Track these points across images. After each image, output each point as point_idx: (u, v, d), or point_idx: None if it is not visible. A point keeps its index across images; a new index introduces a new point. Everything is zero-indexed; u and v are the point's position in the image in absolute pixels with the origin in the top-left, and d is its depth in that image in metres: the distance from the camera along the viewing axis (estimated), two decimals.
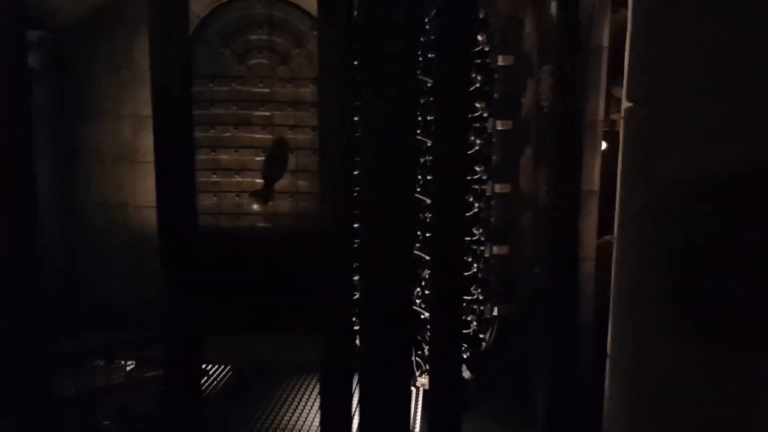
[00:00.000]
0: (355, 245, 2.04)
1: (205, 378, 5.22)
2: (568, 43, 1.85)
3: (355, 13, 1.82)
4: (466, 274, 5.01)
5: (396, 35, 1.52)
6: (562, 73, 1.91)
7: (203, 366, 5.25)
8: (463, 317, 5.11)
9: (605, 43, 4.64)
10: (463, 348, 5.12)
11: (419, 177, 5.03)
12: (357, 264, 1.99)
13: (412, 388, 5.16)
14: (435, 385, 1.78)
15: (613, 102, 5.12)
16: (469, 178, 4.88)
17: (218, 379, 5.28)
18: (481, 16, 4.74)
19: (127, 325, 5.09)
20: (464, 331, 5.08)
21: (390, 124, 1.58)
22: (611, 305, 1.65)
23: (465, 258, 5.00)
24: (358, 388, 2.04)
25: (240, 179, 5.88)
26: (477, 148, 4.84)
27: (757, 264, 1.19)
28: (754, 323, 1.23)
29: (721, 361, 1.26)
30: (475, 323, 5.11)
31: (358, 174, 1.86)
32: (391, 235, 1.64)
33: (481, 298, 5.05)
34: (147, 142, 5.74)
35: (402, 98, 1.57)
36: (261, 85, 5.69)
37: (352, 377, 1.88)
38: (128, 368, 4.93)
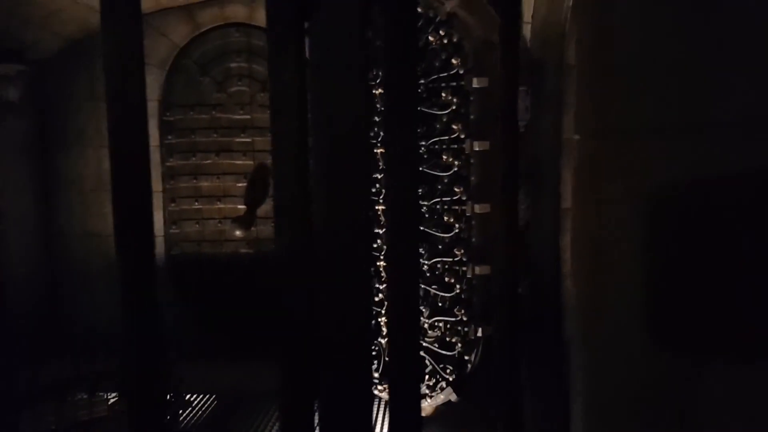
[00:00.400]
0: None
1: (189, 408, 5.16)
2: (509, 60, 1.89)
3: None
4: (448, 295, 5.01)
5: (347, 66, 1.55)
6: (504, 90, 1.94)
7: (186, 396, 5.19)
8: (448, 339, 5.09)
9: None
10: (449, 371, 5.09)
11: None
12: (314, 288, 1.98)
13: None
14: (395, 406, 1.77)
15: None
16: (448, 199, 4.91)
17: (202, 408, 5.22)
18: (455, 39, 4.81)
19: (110, 354, 5.05)
20: (449, 354, 5.06)
21: (342, 148, 1.59)
22: (569, 321, 1.67)
23: (447, 279, 5.01)
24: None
25: (222, 206, 5.89)
26: (455, 169, 4.87)
27: (693, 283, 1.22)
28: (692, 336, 1.25)
29: (670, 367, 1.28)
30: (459, 345, 5.09)
31: (312, 196, 1.87)
32: (347, 256, 1.64)
33: (464, 319, 5.03)
34: None
35: (353, 126, 1.58)
36: (241, 111, 5.74)
37: (313, 406, 1.86)
38: (111, 401, 4.87)
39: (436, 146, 4.88)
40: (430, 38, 4.83)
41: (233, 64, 5.64)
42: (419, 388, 1.91)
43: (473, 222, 4.86)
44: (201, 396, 5.38)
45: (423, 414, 5.11)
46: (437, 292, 5.00)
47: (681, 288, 1.27)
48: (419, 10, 4.84)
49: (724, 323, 1.24)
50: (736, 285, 1.23)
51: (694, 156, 1.23)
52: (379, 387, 5.30)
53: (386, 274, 1.86)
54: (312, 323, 1.90)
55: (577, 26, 1.43)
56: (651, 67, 1.22)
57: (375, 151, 4.84)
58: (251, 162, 5.76)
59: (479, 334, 4.97)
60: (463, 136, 4.80)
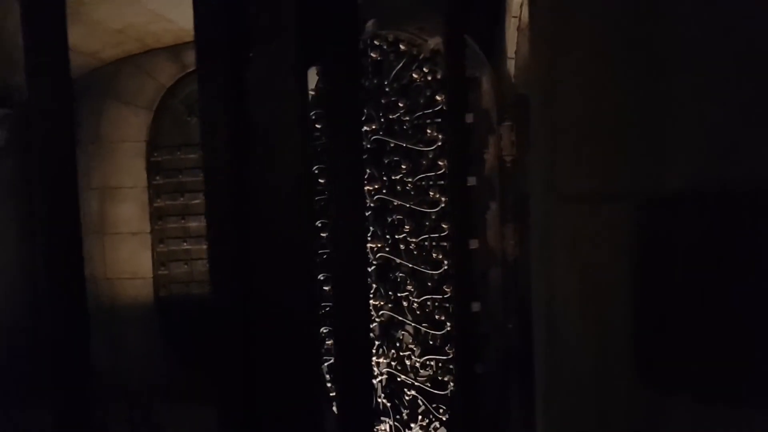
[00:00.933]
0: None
1: None
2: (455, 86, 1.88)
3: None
4: (439, 333, 4.94)
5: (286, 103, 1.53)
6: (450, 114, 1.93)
7: None
8: (440, 378, 4.99)
9: None
10: (442, 410, 4.98)
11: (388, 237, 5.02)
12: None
13: None
14: None
15: None
16: (437, 235, 4.87)
17: None
18: (439, 76, 4.83)
19: (96, 397, 4.92)
20: (441, 393, 4.96)
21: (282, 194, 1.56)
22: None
23: (437, 317, 4.94)
24: None
25: None
26: (443, 205, 4.84)
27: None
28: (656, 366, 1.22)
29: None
30: (452, 384, 4.99)
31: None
32: (288, 324, 1.59)
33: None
34: (115, 213, 5.73)
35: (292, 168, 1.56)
36: None
37: None
38: None
39: (423, 182, 4.86)
40: (414, 75, 4.85)
41: None
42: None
43: None
44: None
45: None
46: (428, 330, 4.92)
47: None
48: (402, 47, 4.88)
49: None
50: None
51: (639, 223, 1.21)
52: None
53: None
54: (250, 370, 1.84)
55: (529, 85, 1.43)
56: (593, 129, 1.19)
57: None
58: None
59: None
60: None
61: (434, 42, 4.86)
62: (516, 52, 4.51)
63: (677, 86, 1.06)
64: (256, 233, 1.67)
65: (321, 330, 4.75)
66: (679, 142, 1.06)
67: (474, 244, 4.76)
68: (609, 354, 1.24)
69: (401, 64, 4.88)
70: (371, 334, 5.23)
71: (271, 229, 1.55)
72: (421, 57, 4.86)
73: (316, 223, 4.51)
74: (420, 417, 5.07)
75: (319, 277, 4.81)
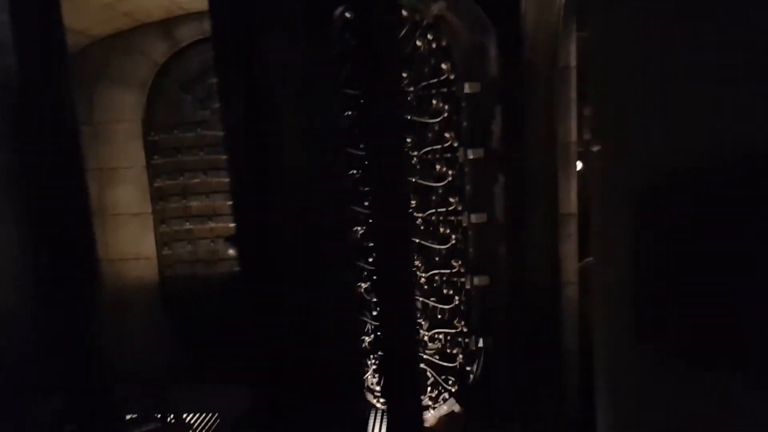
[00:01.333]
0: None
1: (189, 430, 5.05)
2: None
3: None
4: (447, 307, 4.90)
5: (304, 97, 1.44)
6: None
7: (185, 416, 5.08)
8: (449, 351, 4.98)
9: (573, 62, 4.54)
10: (451, 382, 4.99)
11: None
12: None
13: None
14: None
15: (585, 122, 5.01)
16: (443, 210, 4.78)
17: (203, 428, 5.11)
18: (444, 44, 4.66)
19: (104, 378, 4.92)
20: (450, 365, 4.96)
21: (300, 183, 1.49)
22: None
23: (446, 291, 4.90)
24: None
25: (213, 225, 5.76)
26: (449, 179, 4.74)
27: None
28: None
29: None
30: (461, 356, 4.99)
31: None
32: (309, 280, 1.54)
33: (465, 330, 4.93)
34: (115, 195, 5.63)
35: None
36: None
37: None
38: None
39: (429, 156, 4.74)
40: (418, 43, 4.67)
41: (214, 80, 5.50)
42: (420, 405, 1.82)
43: (470, 232, 4.73)
44: (202, 415, 5.26)
45: (427, 425, 5.03)
46: (436, 305, 4.89)
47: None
48: (405, 13, 4.68)
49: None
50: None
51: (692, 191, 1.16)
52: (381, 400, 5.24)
53: (376, 285, 1.75)
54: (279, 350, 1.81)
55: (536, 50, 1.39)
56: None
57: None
58: None
59: (480, 344, 4.86)
60: (456, 145, 4.66)
61: (437, 7, 4.66)
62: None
63: (696, 76, 1.03)
64: (275, 202, 1.61)
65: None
66: (692, 130, 1.03)
67: (482, 218, 4.67)
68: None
69: (404, 32, 4.69)
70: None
71: (290, 198, 1.49)
72: (424, 23, 4.67)
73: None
74: (429, 389, 5.08)
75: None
